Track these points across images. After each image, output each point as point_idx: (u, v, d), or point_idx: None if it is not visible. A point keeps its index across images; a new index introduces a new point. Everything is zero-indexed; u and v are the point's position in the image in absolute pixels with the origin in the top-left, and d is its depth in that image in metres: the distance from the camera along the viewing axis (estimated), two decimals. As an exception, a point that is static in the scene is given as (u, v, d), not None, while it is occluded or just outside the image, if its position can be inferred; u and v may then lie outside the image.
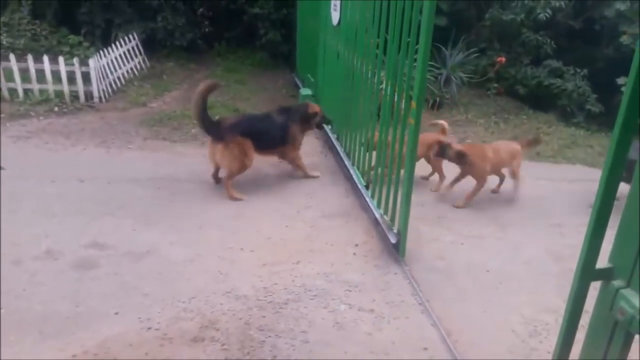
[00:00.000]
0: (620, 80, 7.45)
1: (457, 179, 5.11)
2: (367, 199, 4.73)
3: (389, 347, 3.11)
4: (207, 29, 9.20)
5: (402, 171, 3.98)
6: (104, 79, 7.20)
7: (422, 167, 5.38)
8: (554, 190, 5.60)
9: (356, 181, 5.10)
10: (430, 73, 7.63)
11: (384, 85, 4.39)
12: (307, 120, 5.31)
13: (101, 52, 7.36)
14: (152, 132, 6.29)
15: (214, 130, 4.82)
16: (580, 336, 1.66)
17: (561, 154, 6.74)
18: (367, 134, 4.81)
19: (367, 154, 4.87)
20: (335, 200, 4.94)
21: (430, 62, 7.66)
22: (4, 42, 7.51)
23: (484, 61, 8.85)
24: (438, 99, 7.92)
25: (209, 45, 9.52)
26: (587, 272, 1.55)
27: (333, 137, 6.10)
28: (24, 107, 6.65)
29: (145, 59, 8.61)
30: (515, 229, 4.68)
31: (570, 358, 1.71)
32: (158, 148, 5.90)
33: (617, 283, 1.46)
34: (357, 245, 4.20)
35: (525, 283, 3.87)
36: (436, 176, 5.46)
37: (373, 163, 4.77)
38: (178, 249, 3.98)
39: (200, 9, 9.10)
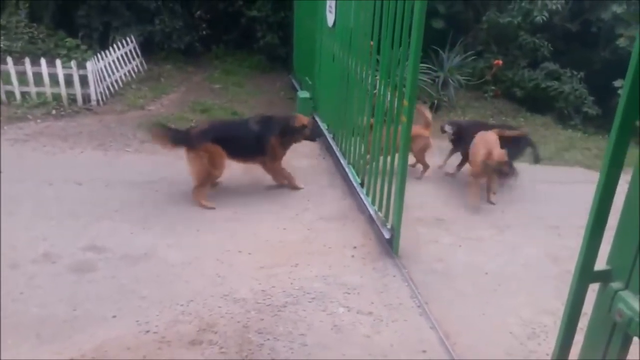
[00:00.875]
0: (617, 83, 7.46)
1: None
2: (362, 197, 4.81)
3: (387, 350, 3.10)
4: (204, 32, 9.20)
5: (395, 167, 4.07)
6: (101, 81, 7.18)
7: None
8: (552, 192, 5.60)
9: (352, 180, 5.14)
10: (428, 76, 7.64)
11: (378, 85, 4.44)
12: (291, 133, 4.99)
13: (99, 55, 7.36)
14: (150, 135, 6.27)
15: (183, 138, 4.67)
16: (578, 338, 1.66)
17: (558, 156, 6.75)
18: (362, 125, 4.91)
19: (362, 144, 4.93)
20: (332, 203, 4.94)
21: (427, 65, 7.73)
22: (2, 45, 7.49)
23: (481, 64, 8.86)
24: (436, 101, 7.93)
25: (206, 48, 9.51)
26: (585, 274, 1.55)
27: (329, 137, 6.12)
28: (21, 110, 6.63)
29: (143, 61, 8.60)
30: (513, 231, 4.69)
31: (568, 360, 1.71)
32: (156, 151, 5.87)
33: (615, 285, 1.46)
34: (355, 247, 4.20)
35: (523, 285, 3.87)
36: (421, 166, 5.70)
37: (367, 160, 4.83)
38: (176, 252, 3.97)
39: (198, 12, 9.09)
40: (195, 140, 4.66)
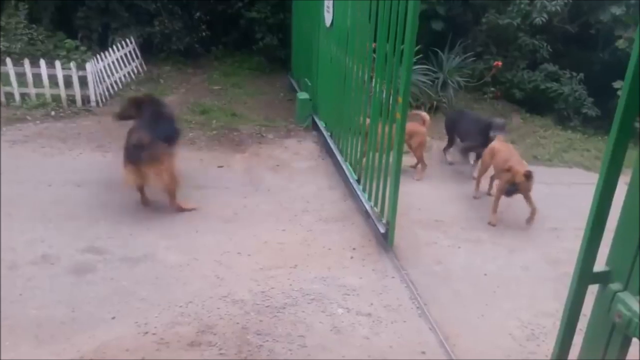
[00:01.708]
0: (616, 84, 7.46)
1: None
2: (359, 193, 4.88)
3: (386, 351, 3.10)
4: (204, 33, 9.20)
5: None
6: (100, 83, 7.18)
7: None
8: (551, 193, 5.59)
9: (349, 176, 5.19)
10: (427, 77, 7.64)
11: (373, 83, 4.53)
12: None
13: (98, 56, 7.36)
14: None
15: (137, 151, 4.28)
16: (578, 339, 1.66)
17: (558, 157, 6.75)
18: (358, 123, 4.96)
19: (358, 141, 4.98)
20: (332, 205, 4.93)
21: (427, 66, 7.72)
22: (1, 46, 7.49)
23: (480, 65, 8.86)
24: (435, 102, 7.92)
25: (206, 50, 9.51)
26: (584, 275, 1.55)
27: (327, 134, 6.16)
28: (20, 112, 6.63)
29: (142, 63, 8.60)
30: (512, 232, 4.68)
31: (568, 361, 1.71)
32: (155, 152, 5.88)
33: (614, 286, 1.46)
34: (354, 249, 4.19)
35: (522, 287, 3.87)
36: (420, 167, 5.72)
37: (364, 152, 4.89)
38: (175, 253, 3.97)
39: (197, 13, 9.09)
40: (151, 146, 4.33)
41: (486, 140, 5.39)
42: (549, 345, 2.56)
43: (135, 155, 4.28)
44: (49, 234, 4.08)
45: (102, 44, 8.39)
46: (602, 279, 1.51)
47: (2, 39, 7.64)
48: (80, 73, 6.83)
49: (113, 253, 3.91)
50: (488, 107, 8.62)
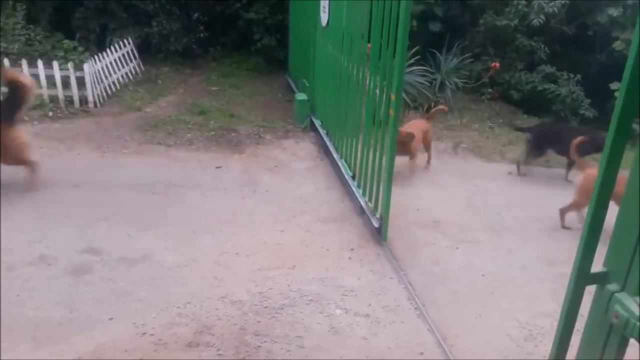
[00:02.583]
0: (614, 86, 7.49)
1: None
2: (354, 189, 4.96)
3: (384, 352, 3.10)
4: (202, 34, 9.20)
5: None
6: (98, 83, 7.18)
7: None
8: (549, 194, 5.61)
9: (344, 172, 5.27)
10: (425, 78, 7.65)
11: (368, 81, 4.62)
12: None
13: (96, 56, 7.35)
14: (147, 137, 6.27)
15: None
16: (575, 340, 1.67)
17: (555, 158, 6.76)
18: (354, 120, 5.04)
19: (354, 137, 5.06)
20: (330, 205, 4.94)
21: (424, 67, 7.73)
22: (-1, 47, 7.48)
23: (478, 66, 8.88)
24: (433, 103, 7.93)
25: (204, 50, 9.51)
26: (581, 276, 1.55)
27: (323, 132, 6.20)
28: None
29: (140, 63, 8.60)
30: (510, 233, 4.69)
31: (565, 362, 1.72)
32: (153, 153, 5.88)
33: (611, 287, 1.46)
34: (352, 249, 4.20)
35: (520, 287, 3.88)
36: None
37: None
38: (173, 254, 3.97)
39: (196, 14, 9.09)
40: None
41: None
42: (547, 345, 2.57)
43: None
44: (47, 234, 4.08)
45: (100, 45, 8.38)
46: (600, 279, 1.52)
47: (0, 39, 7.63)
48: (78, 74, 6.82)
49: (111, 254, 3.91)
50: (486, 108, 8.64)
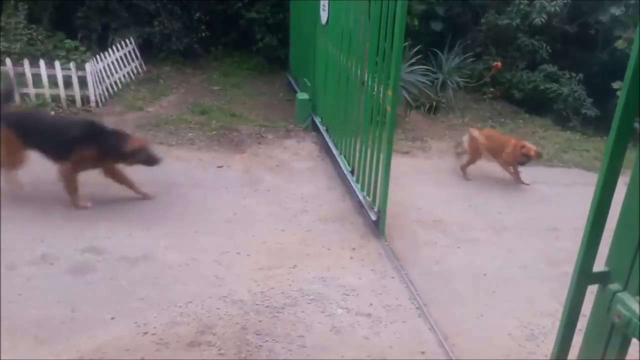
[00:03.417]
0: (616, 85, 7.47)
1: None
2: (352, 184, 5.03)
3: (386, 351, 3.10)
4: (203, 34, 9.19)
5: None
6: (100, 83, 7.18)
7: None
8: (550, 194, 5.61)
9: (343, 168, 5.35)
10: (427, 77, 7.65)
11: (366, 77, 4.69)
12: (116, 153, 4.55)
13: (98, 56, 7.35)
14: (149, 136, 6.26)
15: None
16: (577, 339, 1.66)
17: (557, 157, 6.75)
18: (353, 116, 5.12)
19: (353, 134, 5.15)
20: (331, 205, 4.93)
21: (426, 67, 7.73)
22: (1, 47, 7.48)
23: (480, 66, 8.87)
24: (434, 103, 7.93)
25: (205, 50, 9.50)
26: (584, 275, 1.55)
27: (323, 129, 6.24)
28: (19, 112, 6.63)
29: (142, 63, 8.60)
30: (511, 232, 4.69)
31: (567, 361, 1.71)
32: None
33: (613, 286, 1.46)
34: (353, 249, 4.20)
35: (521, 287, 3.87)
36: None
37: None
38: (174, 253, 3.97)
39: (197, 14, 9.08)
40: None
41: None
42: (549, 345, 2.56)
43: None
44: (48, 233, 4.08)
45: (102, 44, 8.38)
46: (602, 279, 1.52)
47: (1, 39, 7.63)
48: (80, 73, 6.82)
49: (112, 253, 3.91)
50: (487, 108, 8.63)
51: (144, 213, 4.52)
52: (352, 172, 5.18)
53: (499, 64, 8.56)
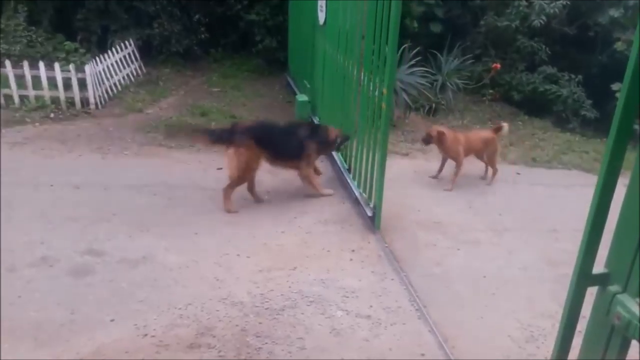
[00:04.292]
0: (615, 86, 7.48)
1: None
2: (349, 181, 5.13)
3: (386, 353, 3.10)
4: (203, 36, 9.21)
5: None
6: (100, 85, 7.18)
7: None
8: (550, 195, 5.61)
9: (340, 166, 5.44)
10: (426, 79, 7.65)
11: (362, 77, 4.75)
12: (327, 145, 5.13)
13: (97, 58, 7.36)
14: (148, 139, 6.27)
15: (223, 135, 4.66)
16: (577, 341, 1.66)
17: (557, 159, 6.76)
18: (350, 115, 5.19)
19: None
20: (331, 207, 4.93)
21: (425, 69, 7.74)
22: (0, 49, 7.49)
23: (479, 67, 8.88)
24: (434, 104, 7.94)
25: (205, 52, 9.52)
26: (583, 277, 1.55)
27: None
28: (19, 114, 6.63)
29: (142, 65, 8.61)
30: (511, 234, 4.69)
31: (567, 363, 1.71)
32: (154, 154, 5.89)
33: (613, 288, 1.46)
34: (353, 251, 4.19)
35: (521, 288, 3.87)
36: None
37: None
38: (174, 255, 3.97)
39: (197, 16, 9.10)
40: (238, 136, 4.62)
41: None
42: (549, 346, 2.56)
43: (225, 137, 4.67)
44: (48, 235, 4.08)
45: (102, 46, 8.40)
46: (601, 280, 1.52)
47: (1, 41, 7.64)
48: (80, 75, 6.82)
49: (112, 255, 3.91)
50: (487, 109, 8.64)
51: (143, 215, 4.52)
52: (348, 170, 5.27)
53: (498, 65, 8.57)
